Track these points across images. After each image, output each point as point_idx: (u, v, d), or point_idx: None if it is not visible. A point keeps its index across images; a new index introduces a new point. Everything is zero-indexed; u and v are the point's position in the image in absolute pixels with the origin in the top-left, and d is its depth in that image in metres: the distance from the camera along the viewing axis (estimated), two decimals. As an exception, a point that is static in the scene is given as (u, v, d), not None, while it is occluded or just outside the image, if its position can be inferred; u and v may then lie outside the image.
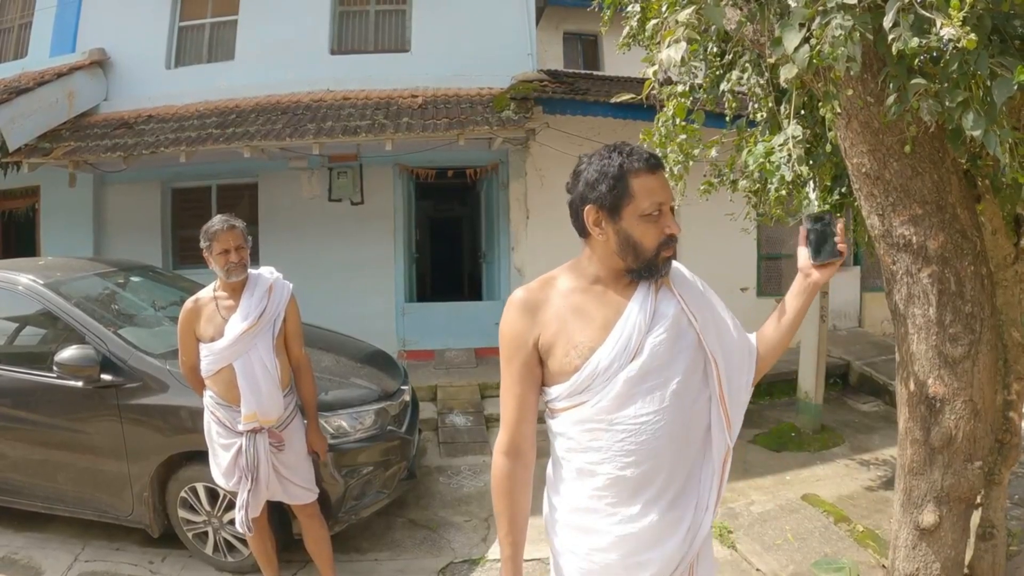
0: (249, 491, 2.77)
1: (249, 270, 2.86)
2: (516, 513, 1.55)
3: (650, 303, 1.48)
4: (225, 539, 3.34)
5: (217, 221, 2.76)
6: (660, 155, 3.19)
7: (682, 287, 1.54)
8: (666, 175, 1.52)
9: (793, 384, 5.88)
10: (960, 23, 1.36)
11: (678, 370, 1.46)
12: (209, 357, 2.77)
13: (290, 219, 7.51)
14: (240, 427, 2.75)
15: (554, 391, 1.50)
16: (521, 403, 1.52)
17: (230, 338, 2.72)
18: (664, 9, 2.16)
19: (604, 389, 1.44)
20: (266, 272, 2.94)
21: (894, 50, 1.50)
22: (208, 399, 2.85)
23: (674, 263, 1.56)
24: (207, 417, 2.87)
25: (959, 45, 1.39)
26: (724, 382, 1.51)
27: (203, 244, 2.75)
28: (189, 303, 2.86)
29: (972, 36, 1.36)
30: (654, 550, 1.46)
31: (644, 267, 1.46)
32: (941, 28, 1.40)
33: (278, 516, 3.20)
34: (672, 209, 1.49)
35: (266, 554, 3.02)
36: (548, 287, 1.53)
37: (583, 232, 1.50)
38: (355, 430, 3.45)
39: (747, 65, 2.82)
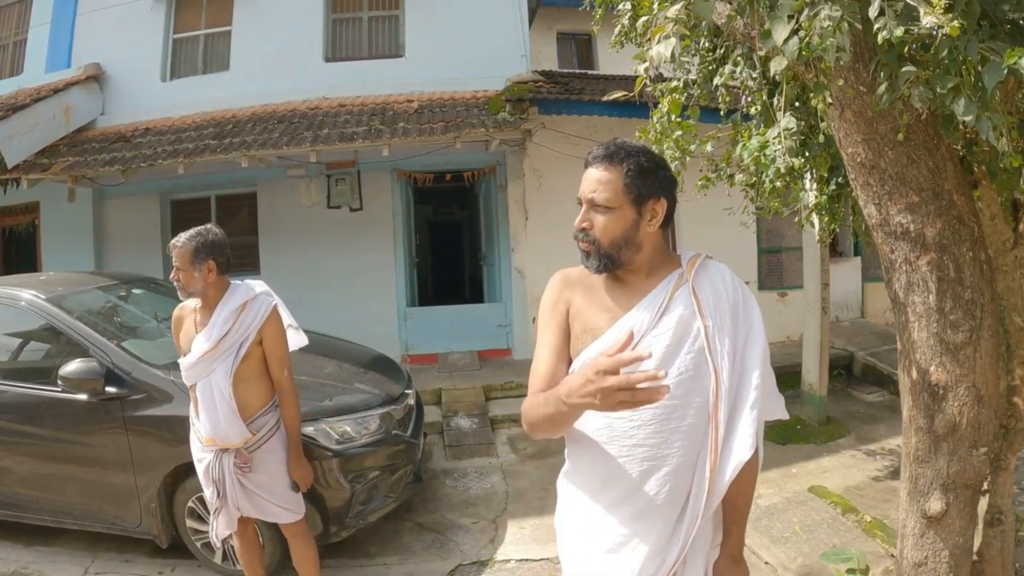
0: (217, 509, 2.74)
1: (233, 282, 2.76)
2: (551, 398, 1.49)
3: (661, 301, 1.47)
4: (233, 548, 3.34)
5: (178, 235, 2.68)
6: (656, 151, 3.20)
7: (705, 289, 1.49)
8: (605, 168, 1.49)
9: (797, 377, 5.87)
10: (943, 11, 1.36)
11: (673, 374, 1.42)
12: (182, 373, 2.72)
13: (290, 227, 7.52)
14: (206, 446, 2.71)
15: (570, 370, 1.54)
16: (551, 367, 1.51)
17: (191, 359, 2.64)
18: (655, 6, 2.16)
19: None
20: (247, 287, 2.77)
21: (880, 39, 1.50)
22: (191, 411, 2.82)
23: (720, 266, 1.57)
24: (192, 430, 2.84)
25: (945, 31, 1.39)
26: (723, 401, 1.42)
27: None
28: (176, 311, 2.82)
29: (955, 23, 1.36)
30: (615, 555, 1.45)
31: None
32: (924, 16, 1.40)
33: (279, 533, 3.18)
34: (596, 203, 1.47)
35: (251, 566, 3.00)
36: (584, 275, 1.58)
37: None
38: (360, 435, 3.46)
39: (739, 59, 2.83)
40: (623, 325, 1.47)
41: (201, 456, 2.77)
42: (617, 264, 1.49)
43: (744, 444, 1.41)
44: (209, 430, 2.64)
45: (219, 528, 2.80)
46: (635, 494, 1.44)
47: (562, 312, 1.56)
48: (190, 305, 2.79)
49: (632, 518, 1.44)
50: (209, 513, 3.29)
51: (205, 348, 2.61)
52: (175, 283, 2.67)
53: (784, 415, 1.55)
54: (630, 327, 1.45)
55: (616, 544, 1.45)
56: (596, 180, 1.48)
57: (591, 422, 1.48)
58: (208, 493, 2.78)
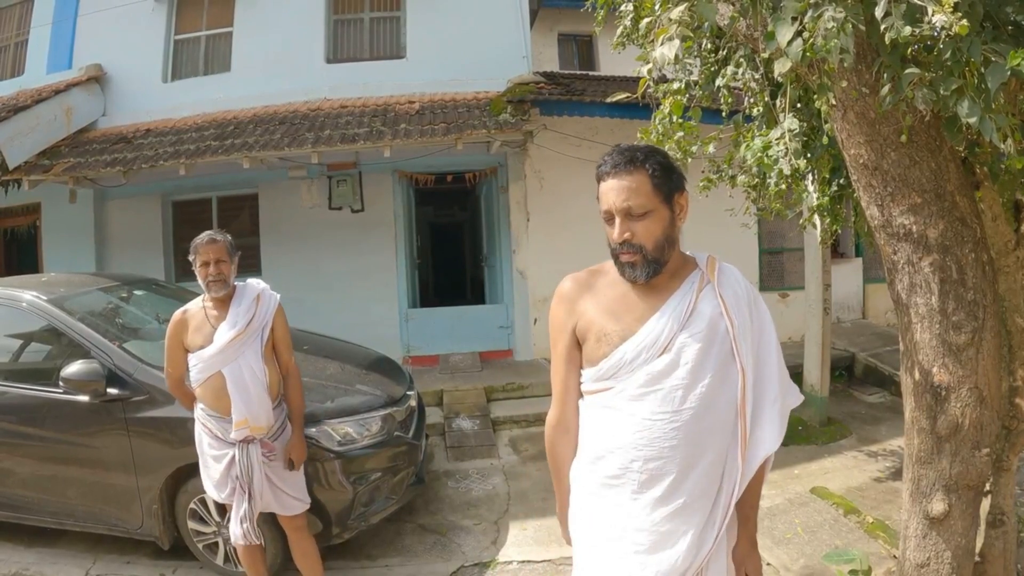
0: (248, 501, 2.78)
1: (236, 282, 2.89)
2: (563, 476, 1.65)
3: (689, 301, 1.48)
4: (235, 549, 3.34)
5: (204, 234, 2.81)
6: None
7: (727, 290, 1.52)
8: (628, 175, 1.44)
9: (799, 377, 5.87)
10: (951, 9, 1.36)
11: (707, 374, 1.45)
12: (199, 365, 2.78)
13: (291, 229, 7.52)
14: (232, 435, 2.75)
15: (585, 374, 1.56)
16: (565, 383, 1.62)
17: (219, 345, 2.74)
18: (657, 7, 2.17)
19: (628, 379, 1.47)
20: (252, 283, 2.97)
21: (887, 39, 1.50)
22: (199, 411, 2.87)
23: (731, 267, 1.58)
24: (198, 429, 2.88)
25: (951, 32, 1.39)
26: (749, 396, 1.48)
27: (190, 257, 2.81)
28: (177, 314, 2.88)
29: (964, 22, 1.36)
30: (654, 554, 1.46)
31: (618, 268, 1.51)
32: (933, 15, 1.41)
33: (280, 532, 3.19)
34: (633, 212, 1.44)
35: (254, 566, 3.00)
36: (594, 277, 1.59)
37: None
38: (362, 436, 3.46)
39: (742, 60, 2.83)
40: (655, 324, 1.47)
41: (219, 453, 2.80)
42: (661, 267, 1.48)
43: (772, 437, 1.50)
44: (243, 411, 2.73)
45: (250, 527, 2.82)
46: (673, 493, 1.46)
47: (568, 332, 1.58)
48: (194, 307, 2.88)
49: (669, 516, 1.46)
50: (211, 514, 3.31)
51: (232, 334, 2.76)
52: (214, 277, 2.76)
53: (800, 399, 1.62)
54: (662, 326, 1.47)
55: (653, 543, 1.46)
56: (625, 189, 1.43)
57: (628, 426, 1.48)
58: (222, 494, 2.82)
